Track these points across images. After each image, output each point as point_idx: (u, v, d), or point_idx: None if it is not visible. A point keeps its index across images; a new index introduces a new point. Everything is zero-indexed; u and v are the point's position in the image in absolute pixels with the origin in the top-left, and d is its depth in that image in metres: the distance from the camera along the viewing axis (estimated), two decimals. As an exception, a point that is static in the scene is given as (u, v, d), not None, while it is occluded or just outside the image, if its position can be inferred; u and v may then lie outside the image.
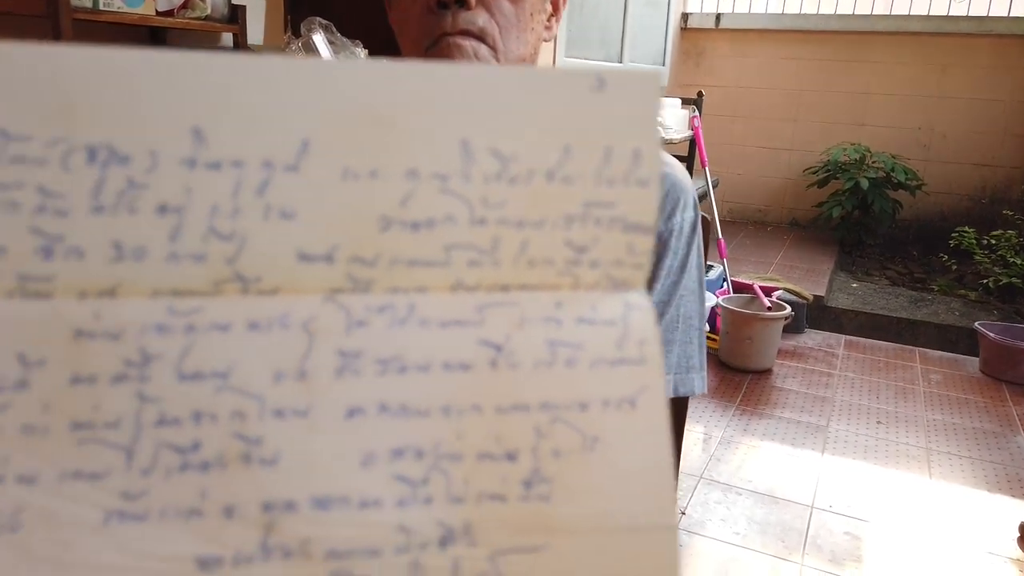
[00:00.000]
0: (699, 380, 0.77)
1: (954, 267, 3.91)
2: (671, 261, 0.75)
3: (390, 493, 0.18)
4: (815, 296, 3.43)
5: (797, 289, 3.32)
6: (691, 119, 3.18)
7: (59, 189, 0.16)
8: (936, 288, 3.78)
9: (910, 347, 3.26)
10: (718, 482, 2.12)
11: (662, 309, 0.75)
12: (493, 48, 0.71)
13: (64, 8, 1.89)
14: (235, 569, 0.17)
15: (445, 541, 0.19)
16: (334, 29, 2.66)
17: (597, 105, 0.19)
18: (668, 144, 3.12)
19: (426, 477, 0.19)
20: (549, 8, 0.77)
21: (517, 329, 0.20)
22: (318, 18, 2.64)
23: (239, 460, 0.18)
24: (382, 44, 3.22)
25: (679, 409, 0.89)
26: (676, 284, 0.75)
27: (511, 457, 0.19)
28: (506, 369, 0.19)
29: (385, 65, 0.18)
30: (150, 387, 0.17)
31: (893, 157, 4.34)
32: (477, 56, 0.70)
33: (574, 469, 0.20)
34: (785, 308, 2.95)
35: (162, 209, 0.17)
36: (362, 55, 2.60)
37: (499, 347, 0.19)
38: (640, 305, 0.21)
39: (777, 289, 3.21)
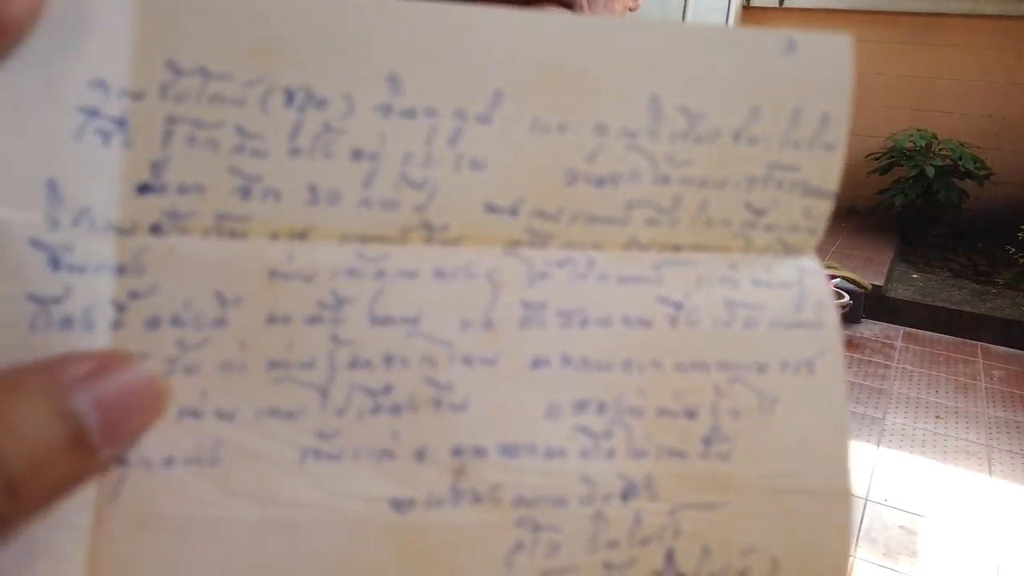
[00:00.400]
0: None
1: (1021, 260, 3.78)
2: None
3: (574, 444, 0.19)
4: (873, 285, 3.35)
5: (855, 277, 3.25)
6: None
7: (257, 130, 0.17)
8: (1001, 282, 3.66)
9: (972, 342, 3.17)
10: (770, 470, 2.10)
11: None
12: None
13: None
14: (427, 511, 0.18)
15: (627, 494, 0.19)
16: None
17: (786, 67, 0.19)
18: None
19: (608, 430, 0.19)
20: None
21: (695, 288, 0.20)
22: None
23: (429, 404, 0.18)
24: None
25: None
26: None
27: (690, 414, 0.19)
28: (685, 327, 0.19)
29: (579, 18, 0.18)
30: (343, 329, 0.17)
31: (961, 145, 4.20)
32: None
33: (753, 429, 0.20)
34: (843, 297, 2.89)
35: (357, 154, 0.17)
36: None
37: (679, 305, 0.19)
38: (813, 270, 0.21)
39: (835, 277, 3.14)
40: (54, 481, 0.14)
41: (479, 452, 0.18)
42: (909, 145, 4.27)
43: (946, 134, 4.35)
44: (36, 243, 0.15)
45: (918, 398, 2.60)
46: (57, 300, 0.16)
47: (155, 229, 0.17)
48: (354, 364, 0.18)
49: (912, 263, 3.94)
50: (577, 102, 0.18)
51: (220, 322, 0.17)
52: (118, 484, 0.16)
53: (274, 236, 0.17)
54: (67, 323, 0.16)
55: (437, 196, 0.18)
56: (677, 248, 0.20)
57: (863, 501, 1.98)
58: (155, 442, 0.17)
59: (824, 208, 0.20)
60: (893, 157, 4.30)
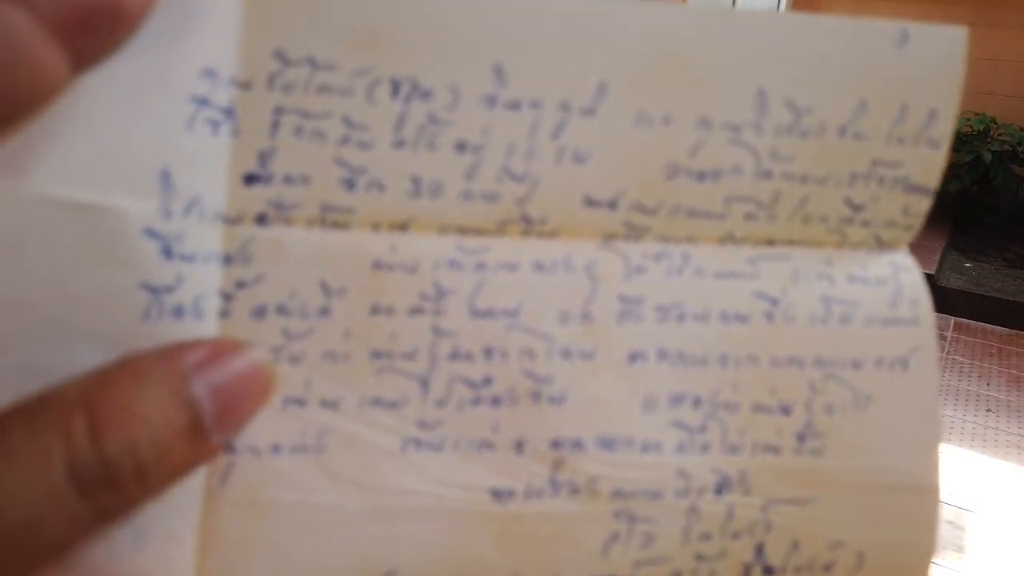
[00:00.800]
0: None
1: (1081, 251, 3.65)
2: None
3: (669, 438, 0.19)
4: (925, 274, 3.26)
5: (906, 266, 3.17)
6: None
7: (363, 121, 0.17)
8: (1059, 273, 3.54)
9: (1027, 334, 3.08)
10: (813, 459, 2.07)
11: None
12: None
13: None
14: (526, 501, 0.18)
15: (721, 488, 0.19)
16: None
17: (897, 60, 0.19)
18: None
19: (704, 425, 0.19)
20: None
21: (791, 284, 0.20)
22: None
23: (529, 397, 0.18)
24: None
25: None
26: None
27: (785, 410, 0.20)
28: (782, 323, 0.19)
29: (687, 8, 0.18)
30: (445, 321, 0.18)
31: (1021, 130, 4.05)
32: None
33: (846, 426, 0.20)
34: (893, 285, 2.82)
35: (460, 146, 0.17)
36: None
37: (775, 300, 0.20)
38: (907, 266, 0.21)
39: (885, 265, 3.07)
40: (175, 466, 0.14)
41: (577, 445, 0.18)
42: (966, 129, 4.13)
43: (1006, 119, 4.20)
44: (151, 232, 0.16)
45: (968, 390, 2.53)
46: (170, 289, 0.16)
47: (261, 219, 0.17)
48: (455, 356, 0.18)
49: (965, 251, 3.83)
50: (683, 94, 0.18)
51: (325, 312, 0.17)
52: (227, 471, 0.17)
53: (376, 227, 0.17)
54: (179, 312, 0.16)
55: (538, 189, 0.18)
56: (771, 243, 0.20)
57: (909, 494, 1.96)
58: (262, 430, 0.17)
59: (923, 205, 0.20)
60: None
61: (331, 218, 0.17)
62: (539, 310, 0.18)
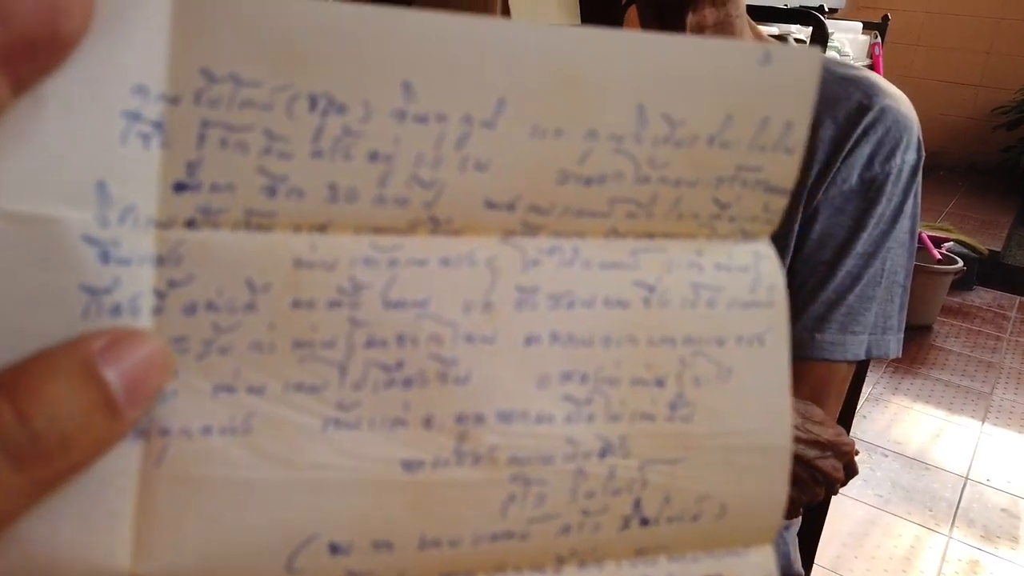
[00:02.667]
0: (895, 342, 0.70)
1: None
2: (883, 208, 0.67)
3: (560, 410, 0.21)
4: (990, 251, 3.13)
5: (971, 241, 3.04)
6: (872, 46, 2.89)
7: (283, 133, 0.18)
8: None
9: (1098, 316, 2.93)
10: (862, 440, 2.02)
11: (866, 262, 0.67)
12: None
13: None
14: (433, 471, 0.20)
15: (604, 452, 0.22)
16: None
17: (760, 78, 0.21)
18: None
19: (589, 398, 0.22)
20: None
21: (666, 272, 0.22)
22: None
23: (436, 378, 0.20)
24: None
25: (861, 371, 0.82)
26: (886, 234, 0.68)
27: (659, 383, 0.22)
28: (657, 307, 0.22)
29: (574, 29, 0.19)
30: (360, 312, 0.19)
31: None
32: None
33: (711, 396, 0.23)
34: (956, 262, 2.71)
35: (373, 156, 0.19)
36: None
37: (652, 287, 0.22)
38: (767, 254, 0.23)
39: (947, 240, 2.94)
40: (97, 439, 0.16)
41: (479, 419, 0.21)
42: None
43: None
44: (88, 239, 0.17)
45: (1032, 374, 2.43)
46: (107, 290, 0.17)
47: (190, 223, 0.18)
48: (370, 343, 0.20)
49: (1036, 228, 3.65)
50: (573, 110, 0.20)
51: (250, 307, 0.19)
52: (161, 452, 0.18)
53: (297, 229, 0.19)
54: (116, 311, 0.17)
55: (444, 194, 0.20)
56: (651, 236, 0.22)
57: (962, 479, 1.89)
58: (194, 414, 0.18)
59: (780, 203, 0.23)
60: (1023, 111, 3.96)
61: (255, 221, 0.19)
62: (445, 300, 0.20)
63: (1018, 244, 3.36)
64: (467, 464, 0.20)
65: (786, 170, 0.22)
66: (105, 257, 0.17)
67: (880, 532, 1.70)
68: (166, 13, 0.17)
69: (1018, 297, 3.05)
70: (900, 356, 0.72)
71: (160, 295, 0.18)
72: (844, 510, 1.75)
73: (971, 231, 3.28)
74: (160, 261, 0.18)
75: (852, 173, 0.67)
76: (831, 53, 2.72)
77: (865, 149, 0.67)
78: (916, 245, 0.72)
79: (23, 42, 0.14)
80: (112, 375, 0.16)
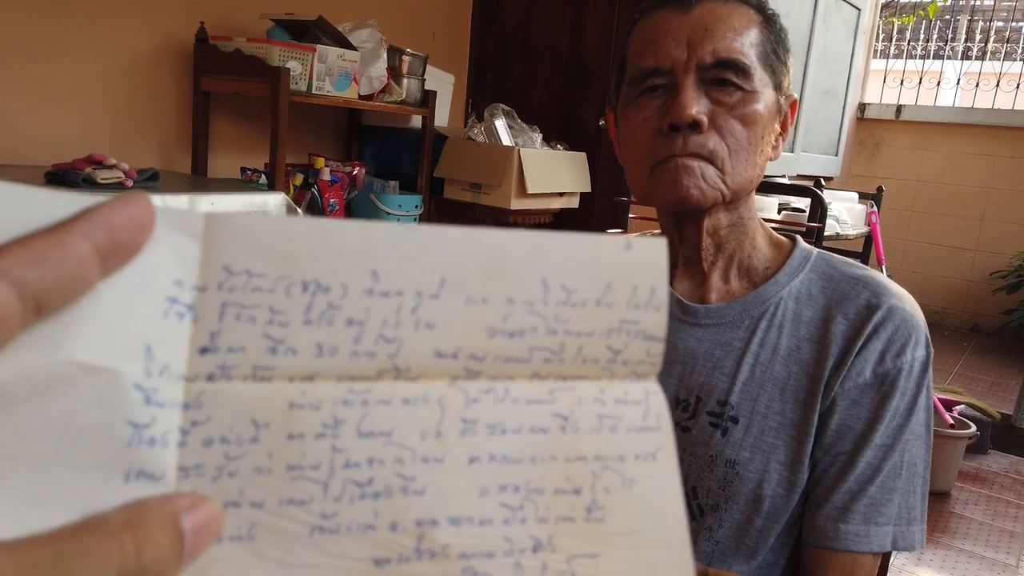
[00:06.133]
0: (919, 533, 0.70)
1: None
2: (898, 401, 0.70)
3: (498, 515, 0.27)
4: (1001, 414, 3.11)
5: (982, 405, 3.02)
6: (869, 214, 3.03)
7: (282, 308, 0.24)
8: None
9: (1120, 484, 2.87)
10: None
11: (885, 453, 0.69)
12: (721, 170, 0.71)
13: (284, 92, 2.12)
14: (399, 566, 0.25)
15: (536, 548, 0.27)
16: (515, 115, 2.79)
17: (626, 258, 0.28)
18: (843, 240, 2.98)
19: (521, 504, 0.27)
20: (778, 128, 0.76)
21: (577, 406, 0.28)
22: (501, 104, 2.78)
23: (399, 491, 0.26)
24: (556, 127, 3.29)
25: (885, 562, 0.81)
26: (902, 427, 0.70)
27: (577, 492, 0.28)
28: (571, 433, 0.28)
29: (496, 232, 0.26)
30: (340, 441, 0.25)
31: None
32: (704, 178, 0.70)
33: (619, 500, 0.29)
34: (969, 426, 2.69)
35: (349, 322, 0.25)
36: (538, 139, 2.70)
37: (566, 418, 0.28)
38: (654, 390, 0.30)
39: (959, 403, 2.94)
40: (166, 573, 0.21)
41: (434, 523, 0.26)
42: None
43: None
44: (137, 386, 0.22)
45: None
46: (147, 425, 0.22)
47: (210, 377, 0.24)
48: (347, 465, 0.25)
49: (1046, 391, 3.64)
50: (495, 284, 0.27)
51: (254, 440, 0.24)
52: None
53: (291, 379, 0.25)
54: (151, 442, 0.22)
55: (403, 348, 0.26)
56: (565, 378, 0.28)
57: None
58: None
59: (659, 348, 0.29)
60: (1021, 276, 4.07)
61: (259, 374, 0.24)
62: (406, 431, 0.26)
63: (1030, 407, 3.33)
64: (425, 559, 0.26)
65: (657, 322, 0.29)
66: (148, 400, 0.22)
67: None
68: (199, 229, 0.23)
69: (1034, 462, 3.00)
70: (924, 547, 0.71)
71: (184, 432, 0.23)
72: None
73: (981, 393, 3.28)
74: (186, 406, 0.23)
75: (866, 367, 0.70)
76: (830, 222, 2.85)
77: (877, 345, 0.71)
78: (932, 438, 0.73)
79: (117, 246, 0.21)
80: (187, 528, 0.21)
